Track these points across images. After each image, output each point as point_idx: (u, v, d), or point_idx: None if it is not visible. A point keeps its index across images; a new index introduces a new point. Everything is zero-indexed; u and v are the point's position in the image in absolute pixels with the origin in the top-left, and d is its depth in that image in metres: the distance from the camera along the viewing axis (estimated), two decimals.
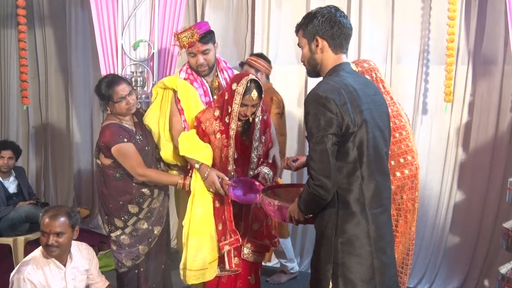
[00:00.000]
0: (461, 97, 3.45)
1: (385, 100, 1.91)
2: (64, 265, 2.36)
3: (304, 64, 1.91)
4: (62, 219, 2.26)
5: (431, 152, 3.60)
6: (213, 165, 2.51)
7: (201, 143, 2.51)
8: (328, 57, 1.82)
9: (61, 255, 2.34)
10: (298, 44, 1.89)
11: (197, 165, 2.47)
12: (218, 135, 2.48)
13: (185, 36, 2.52)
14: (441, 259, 3.59)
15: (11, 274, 2.28)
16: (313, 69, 1.88)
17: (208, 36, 2.55)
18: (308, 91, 3.89)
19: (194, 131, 2.55)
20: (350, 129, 1.67)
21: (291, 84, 3.93)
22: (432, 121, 3.58)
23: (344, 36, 1.80)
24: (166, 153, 2.68)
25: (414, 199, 2.53)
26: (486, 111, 3.41)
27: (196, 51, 2.55)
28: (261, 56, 3.51)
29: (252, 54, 3.59)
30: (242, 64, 3.54)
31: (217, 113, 2.48)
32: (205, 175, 2.45)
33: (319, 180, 1.67)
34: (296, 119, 3.92)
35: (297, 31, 1.89)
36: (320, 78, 1.87)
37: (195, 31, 2.51)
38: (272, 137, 2.69)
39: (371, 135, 1.73)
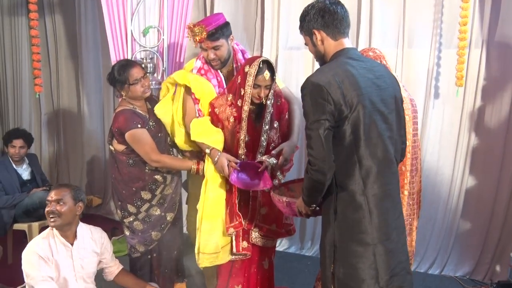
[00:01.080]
0: (474, 81, 3.39)
1: (393, 84, 1.89)
2: (71, 244, 2.40)
3: (316, 60, 1.99)
4: (64, 189, 2.40)
5: (443, 137, 3.56)
6: (226, 150, 2.52)
7: (213, 128, 2.52)
8: (329, 45, 1.88)
9: (64, 227, 2.37)
10: (305, 44, 1.96)
11: (207, 150, 2.49)
12: (232, 119, 2.49)
13: (193, 32, 2.48)
14: (453, 244, 3.59)
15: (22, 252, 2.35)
16: (321, 61, 1.95)
17: (218, 33, 2.49)
18: None
19: (207, 118, 2.56)
20: (343, 113, 1.71)
21: (300, 69, 3.90)
22: (444, 105, 3.53)
23: (337, 21, 1.85)
24: (179, 138, 2.69)
25: (403, 186, 2.45)
26: (500, 95, 3.36)
27: (206, 47, 2.52)
28: None
29: None
30: None
31: (230, 97, 2.49)
32: (215, 159, 2.46)
33: (315, 165, 1.73)
34: None
35: (300, 32, 1.97)
36: None
37: (203, 28, 2.46)
38: (291, 128, 2.62)
39: (368, 119, 1.74)
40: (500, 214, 3.41)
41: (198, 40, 2.49)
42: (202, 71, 2.62)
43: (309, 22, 1.88)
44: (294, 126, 2.63)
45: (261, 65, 2.38)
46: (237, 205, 2.51)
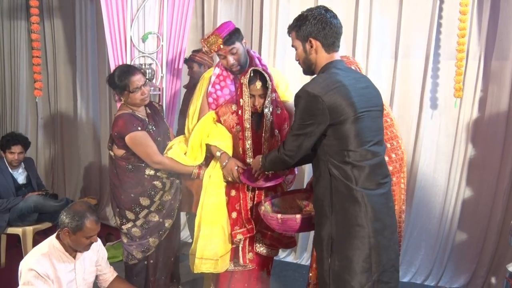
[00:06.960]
0: (471, 93, 3.41)
1: (377, 93, 2.01)
2: (74, 257, 2.38)
3: (299, 63, 2.04)
4: (99, 221, 2.39)
5: (439, 148, 3.57)
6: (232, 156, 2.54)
7: (226, 134, 2.55)
8: (321, 57, 1.95)
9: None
10: (292, 45, 2.02)
11: (218, 153, 2.53)
12: (238, 128, 2.53)
13: (209, 42, 2.55)
14: (448, 256, 3.58)
15: (20, 263, 2.29)
16: (308, 68, 2.02)
17: (232, 37, 2.55)
18: None
19: (211, 116, 2.59)
20: (338, 119, 1.80)
21: (297, 78, 3.90)
22: (441, 116, 3.55)
23: (335, 35, 1.94)
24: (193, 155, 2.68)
25: (400, 180, 2.52)
26: (496, 107, 3.37)
27: (224, 53, 2.57)
28: (201, 51, 3.66)
29: (194, 51, 3.73)
30: (186, 61, 3.68)
31: (234, 107, 2.55)
32: (224, 163, 2.49)
33: (285, 155, 1.96)
34: None
35: (289, 33, 2.03)
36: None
37: (218, 35, 2.54)
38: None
39: (360, 124, 1.83)
40: (496, 226, 3.41)
41: (215, 48, 2.56)
42: (221, 77, 2.67)
43: (308, 29, 1.92)
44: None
45: (251, 75, 2.45)
46: (249, 212, 2.52)
